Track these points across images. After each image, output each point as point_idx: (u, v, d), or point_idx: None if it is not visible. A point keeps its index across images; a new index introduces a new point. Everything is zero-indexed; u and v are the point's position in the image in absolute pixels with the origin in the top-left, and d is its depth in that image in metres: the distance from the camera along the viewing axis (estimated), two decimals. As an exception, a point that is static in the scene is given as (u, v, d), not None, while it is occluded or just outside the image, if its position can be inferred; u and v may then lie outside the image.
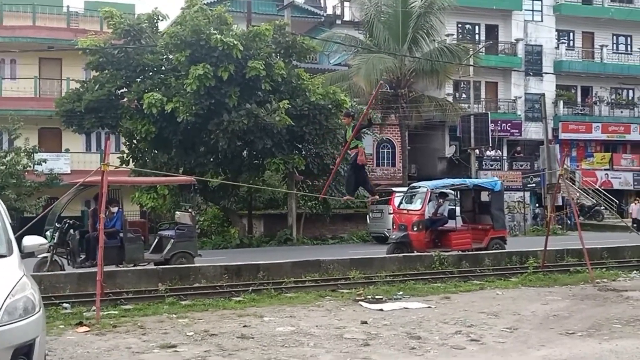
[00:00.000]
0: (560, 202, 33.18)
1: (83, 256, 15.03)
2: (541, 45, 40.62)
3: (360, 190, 16.79)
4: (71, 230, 15.30)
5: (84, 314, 10.41)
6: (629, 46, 43.41)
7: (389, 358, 7.73)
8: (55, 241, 14.81)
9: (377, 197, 15.25)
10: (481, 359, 7.72)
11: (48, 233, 14.82)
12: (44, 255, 14.31)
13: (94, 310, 10.21)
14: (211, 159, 24.83)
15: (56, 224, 15.20)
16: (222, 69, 22.13)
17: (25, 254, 6.81)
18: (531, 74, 40.05)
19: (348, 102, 25.14)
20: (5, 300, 5.58)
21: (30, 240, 6.92)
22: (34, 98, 31.32)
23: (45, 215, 14.82)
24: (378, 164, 36.51)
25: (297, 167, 24.55)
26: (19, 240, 6.81)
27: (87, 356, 7.82)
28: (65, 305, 11.03)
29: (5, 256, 6.42)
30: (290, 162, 24.10)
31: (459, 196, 20.64)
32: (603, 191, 36.74)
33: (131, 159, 25.45)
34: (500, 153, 38.22)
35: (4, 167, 25.86)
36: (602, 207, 34.99)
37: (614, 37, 43.12)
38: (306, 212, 27.30)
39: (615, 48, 43.05)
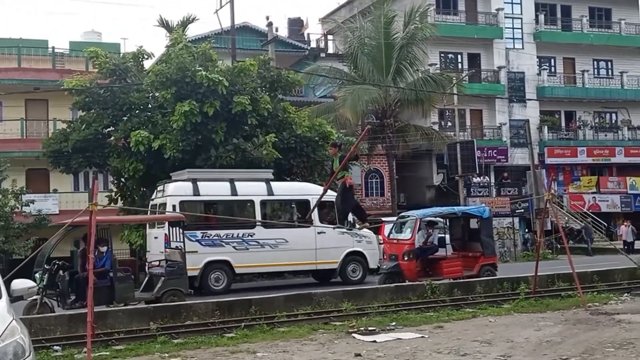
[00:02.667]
0: (549, 227, 33.33)
1: (73, 297, 14.91)
2: (523, 72, 41.16)
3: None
4: (60, 272, 15.18)
5: (75, 356, 10.31)
6: (609, 70, 44.05)
7: (383, 390, 7.69)
8: (44, 283, 14.68)
9: (367, 224, 15.32)
10: (476, 388, 7.70)
11: (37, 275, 14.68)
12: (34, 297, 14.17)
13: (85, 352, 10.11)
14: (200, 195, 24.76)
15: (45, 266, 15.08)
16: (208, 105, 22.24)
17: (14, 298, 6.77)
18: (515, 100, 40.50)
19: (334, 134, 25.26)
20: (-5, 346, 5.54)
21: (19, 284, 6.89)
22: (21, 139, 31.28)
23: (34, 257, 14.70)
24: (367, 194, 36.58)
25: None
26: (7, 284, 6.78)
27: (79, 399, 7.73)
28: (56, 347, 10.92)
29: (-6, 301, 6.38)
30: (279, 196, 24.08)
31: (448, 224, 20.69)
32: (591, 214, 36.94)
33: (120, 197, 25.39)
34: (488, 179, 38.43)
35: (-8, 209, 25.70)
36: (583, 231, 35.15)
37: (595, 62, 43.76)
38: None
39: (596, 72, 43.67)
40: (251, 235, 19.99)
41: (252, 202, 20.35)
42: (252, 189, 20.42)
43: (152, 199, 20.91)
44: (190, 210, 19.42)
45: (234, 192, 20.13)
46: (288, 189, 21.86)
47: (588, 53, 42.89)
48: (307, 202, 20.45)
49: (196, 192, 19.70)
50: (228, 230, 19.74)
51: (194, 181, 19.85)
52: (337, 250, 20.79)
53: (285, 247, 20.19)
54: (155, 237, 19.79)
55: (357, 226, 16.67)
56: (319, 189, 19.91)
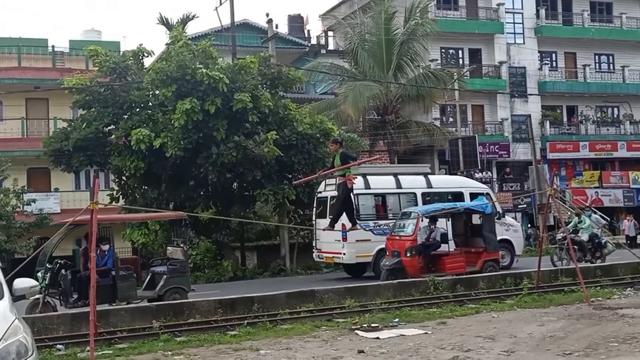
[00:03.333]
0: (552, 222, 33.28)
1: (75, 296, 14.90)
2: (524, 67, 41.08)
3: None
4: (63, 271, 15.18)
5: (78, 354, 10.30)
6: (611, 65, 43.97)
7: (387, 387, 7.67)
8: (46, 282, 14.69)
9: (357, 227, 15.60)
10: (480, 384, 7.68)
11: (39, 274, 14.70)
12: (36, 296, 14.17)
13: (88, 351, 10.10)
14: (201, 193, 24.79)
15: (47, 265, 15.09)
16: (209, 102, 22.20)
17: (16, 297, 6.76)
18: (516, 95, 40.44)
19: (336, 131, 25.24)
20: (-3, 345, 5.53)
21: (21, 283, 6.88)
22: (22, 139, 31.31)
23: (36, 256, 14.70)
24: (369, 191, 36.49)
25: (287, 197, 24.53)
26: (10, 283, 6.76)
27: (82, 398, 7.72)
28: (59, 346, 10.91)
29: (-4, 300, 6.37)
30: (281, 193, 24.07)
31: (450, 220, 20.66)
32: (594, 209, 36.87)
33: (121, 196, 25.37)
34: (490, 175, 38.38)
35: (-6, 208, 25.72)
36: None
37: (596, 57, 43.70)
38: (299, 241, 27.22)
39: (597, 67, 43.61)
40: None
41: (414, 194, 21.88)
42: (413, 183, 22.03)
43: (320, 192, 22.17)
44: (363, 202, 21.00)
45: (398, 185, 21.80)
46: (444, 182, 23.87)
47: (589, 47, 42.82)
48: (461, 194, 22.06)
49: (367, 185, 21.10)
50: (394, 221, 20.68)
51: (364, 175, 20.94)
52: None
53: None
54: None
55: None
56: (472, 182, 23.71)
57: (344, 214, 14.48)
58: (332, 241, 20.30)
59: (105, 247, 15.54)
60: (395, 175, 22.21)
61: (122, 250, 27.16)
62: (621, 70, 43.12)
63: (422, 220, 18.72)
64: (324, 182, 21.67)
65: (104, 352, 10.52)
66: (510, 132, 39.83)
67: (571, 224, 22.33)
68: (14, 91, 29.32)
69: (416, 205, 21.21)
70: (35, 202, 27.50)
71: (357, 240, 20.20)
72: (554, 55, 42.87)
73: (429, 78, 32.67)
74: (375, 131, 33.11)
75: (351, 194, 13.69)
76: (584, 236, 21.71)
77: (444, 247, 19.28)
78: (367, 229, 20.56)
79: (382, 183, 21.65)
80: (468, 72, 37.60)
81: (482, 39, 40.32)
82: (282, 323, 12.54)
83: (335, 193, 17.79)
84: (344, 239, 19.86)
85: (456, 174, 34.52)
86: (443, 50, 39.90)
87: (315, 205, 22.45)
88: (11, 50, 32.43)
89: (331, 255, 21.39)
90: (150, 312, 13.09)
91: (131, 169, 23.41)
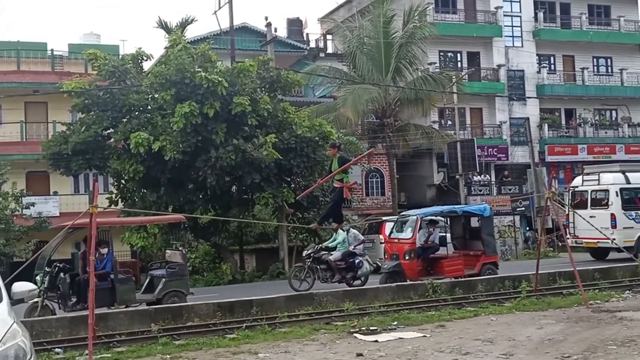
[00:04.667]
0: (550, 225, 33.28)
1: (74, 299, 14.90)
2: (523, 70, 41.15)
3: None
4: (61, 274, 15.17)
5: (77, 358, 10.30)
6: (609, 67, 44.06)
7: (385, 390, 7.68)
8: (45, 285, 14.68)
9: (342, 225, 15.79)
10: (478, 386, 7.68)
11: (38, 278, 14.69)
12: (35, 300, 14.16)
13: (86, 355, 10.09)
14: (200, 196, 24.79)
15: (46, 268, 15.07)
16: (207, 106, 22.22)
17: (15, 301, 6.76)
18: (515, 98, 40.49)
19: (334, 134, 25.25)
20: (-4, 349, 5.53)
21: (20, 287, 6.88)
22: (21, 142, 31.30)
23: (34, 259, 14.70)
24: (367, 194, 36.56)
25: (286, 200, 24.54)
26: (8, 287, 6.77)
27: (80, 402, 7.72)
28: (57, 350, 10.90)
29: (-5, 304, 6.38)
30: (280, 196, 24.09)
31: (449, 223, 20.67)
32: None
33: (120, 199, 25.37)
34: (489, 178, 38.40)
35: (-8, 212, 25.72)
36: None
37: (594, 59, 43.76)
38: (297, 244, 27.22)
39: (596, 70, 43.69)
40: None
41: None
42: None
43: (575, 186, 24.48)
44: (624, 196, 22.97)
45: None
46: None
47: (587, 50, 42.89)
48: None
49: (627, 181, 23.15)
50: None
51: (623, 172, 23.40)
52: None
53: None
54: (592, 217, 21.77)
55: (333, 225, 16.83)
56: None
57: (332, 215, 14.54)
58: (594, 228, 21.08)
59: (104, 251, 15.53)
60: None
61: (121, 254, 27.09)
62: (619, 73, 43.19)
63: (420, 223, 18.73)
64: (581, 176, 24.56)
65: (102, 355, 10.52)
66: (508, 135, 39.87)
67: (330, 240, 19.50)
68: (13, 95, 29.34)
69: None
70: (34, 206, 27.51)
71: (624, 228, 22.35)
72: (552, 58, 42.94)
73: (428, 81, 32.75)
74: (374, 134, 33.17)
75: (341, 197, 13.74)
76: (336, 254, 18.44)
77: (442, 250, 19.27)
78: (630, 217, 22.72)
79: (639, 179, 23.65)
80: (466, 75, 37.64)
81: (481, 42, 40.39)
82: (280, 326, 12.53)
83: (592, 187, 23.29)
84: (614, 226, 22.15)
85: (455, 177, 34.61)
86: (441, 54, 39.96)
87: (570, 198, 24.54)
88: (10, 54, 32.41)
89: (594, 240, 22.64)
90: (149, 315, 13.09)
91: (130, 172, 23.41)
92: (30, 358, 5.74)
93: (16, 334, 5.81)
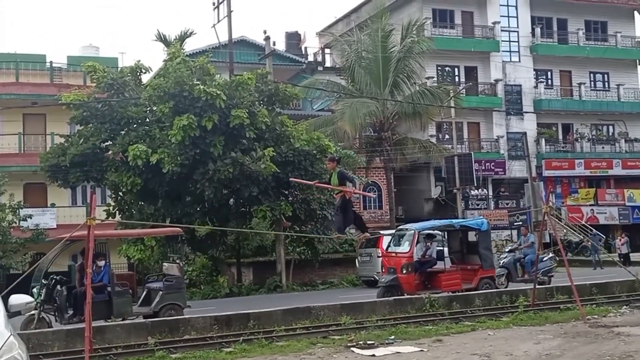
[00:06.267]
0: (547, 239, 33.28)
1: (71, 312, 14.87)
2: (520, 85, 41.30)
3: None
4: (58, 286, 15.14)
5: (73, 371, 10.26)
6: (606, 83, 44.22)
7: (383, 405, 7.66)
8: (42, 298, 14.64)
9: (368, 235, 15.30)
10: (475, 402, 7.67)
11: (35, 290, 14.65)
12: (31, 312, 14.12)
13: (83, 368, 10.07)
14: (198, 209, 24.78)
15: (43, 281, 15.03)
16: (206, 118, 22.26)
17: (12, 313, 6.76)
18: (512, 113, 40.60)
19: (332, 147, 25.30)
20: (-8, 362, 5.52)
21: (17, 299, 6.89)
22: (19, 154, 31.27)
23: (31, 272, 14.67)
24: (365, 207, 36.56)
25: (284, 213, 24.55)
26: (5, 299, 6.76)
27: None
28: (53, 363, 10.87)
29: (-9, 317, 6.36)
30: (277, 209, 24.10)
31: (446, 237, 20.67)
32: (589, 226, 36.93)
33: (117, 212, 25.34)
34: (486, 192, 38.44)
35: (-11, 224, 25.64)
36: (589, 243, 35.05)
37: (591, 75, 43.94)
38: (295, 258, 27.20)
39: (593, 85, 43.85)
40: None
41: None
42: None
43: None
44: None
45: None
46: None
47: (584, 66, 43.07)
48: None
49: None
50: None
51: None
52: None
53: None
54: None
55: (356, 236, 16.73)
56: None
57: (348, 222, 14.30)
58: None
59: (101, 263, 15.52)
60: None
61: (118, 266, 27.06)
62: (616, 89, 43.34)
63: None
64: None
65: (99, 368, 10.48)
66: (506, 149, 39.96)
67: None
68: (12, 106, 29.31)
69: None
70: (31, 218, 27.42)
71: None
72: (549, 73, 43.11)
73: (425, 95, 32.84)
74: (372, 148, 33.22)
75: (348, 204, 13.48)
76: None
77: (440, 264, 19.27)
78: None
79: None
80: (464, 90, 37.76)
81: (478, 57, 40.55)
82: (277, 340, 12.51)
83: None
84: None
85: (452, 191, 34.63)
86: (439, 68, 40.10)
87: None
88: (9, 66, 32.43)
89: None
90: (145, 328, 13.06)
91: (128, 185, 23.40)
92: (27, 371, 5.73)
93: (13, 347, 5.80)
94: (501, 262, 21.04)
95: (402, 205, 37.33)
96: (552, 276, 21.15)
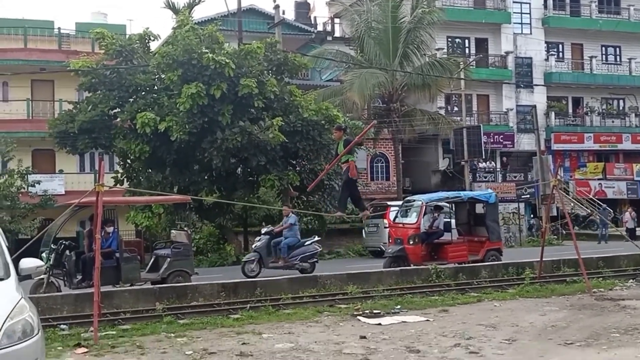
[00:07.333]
0: (555, 213, 33.28)
1: (79, 277, 15.00)
2: (531, 58, 40.95)
3: (351, 206, 16.77)
4: (67, 252, 15.27)
5: (82, 335, 10.37)
6: (618, 57, 43.79)
7: (389, 372, 7.72)
8: (51, 263, 14.77)
9: (367, 213, 15.28)
10: (481, 371, 7.72)
11: (44, 255, 14.78)
12: (41, 277, 14.24)
13: (91, 331, 10.17)
14: (205, 177, 24.81)
15: (52, 246, 15.17)
16: (214, 87, 22.18)
17: (22, 277, 6.80)
18: (522, 86, 40.34)
19: (341, 118, 25.18)
20: (4, 324, 5.58)
21: (27, 263, 6.90)
22: (27, 120, 31.30)
23: (40, 237, 14.78)
24: (372, 178, 36.58)
25: (291, 183, 24.55)
26: (15, 263, 6.80)
27: (86, 377, 7.79)
28: (62, 326, 10.98)
29: (2, 279, 6.43)
30: (285, 179, 24.10)
31: (454, 209, 20.68)
32: (597, 201, 36.87)
33: (125, 179, 25.41)
34: (494, 165, 38.36)
35: (-2, 189, 25.78)
36: (598, 217, 35.02)
37: (603, 48, 43.51)
38: (302, 227, 27.24)
39: (604, 59, 43.44)
40: None
41: None
42: None
43: None
44: None
45: None
46: None
47: (596, 39, 42.65)
48: None
49: None
50: None
51: None
52: None
53: None
54: None
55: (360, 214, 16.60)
56: None
57: (350, 199, 14.29)
58: None
59: (110, 229, 15.61)
60: None
61: (126, 233, 27.21)
62: (628, 63, 42.94)
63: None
64: None
65: (107, 332, 10.58)
66: (515, 122, 39.77)
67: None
68: (20, 72, 29.28)
69: None
70: (39, 184, 27.54)
71: None
72: (560, 46, 42.70)
73: (435, 67, 32.61)
74: (380, 119, 33.06)
75: (353, 181, 13.46)
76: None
77: (447, 236, 19.30)
78: None
79: None
80: (474, 62, 37.48)
81: (489, 29, 40.16)
82: (284, 308, 12.60)
83: None
84: None
85: (460, 164, 34.56)
86: (449, 39, 39.76)
87: None
88: (17, 32, 32.31)
89: None
90: (153, 294, 13.18)
91: (136, 152, 23.43)
92: (38, 333, 5.79)
93: (24, 310, 5.86)
94: (254, 246, 19.25)
95: (410, 177, 37.33)
96: (316, 262, 19.03)
